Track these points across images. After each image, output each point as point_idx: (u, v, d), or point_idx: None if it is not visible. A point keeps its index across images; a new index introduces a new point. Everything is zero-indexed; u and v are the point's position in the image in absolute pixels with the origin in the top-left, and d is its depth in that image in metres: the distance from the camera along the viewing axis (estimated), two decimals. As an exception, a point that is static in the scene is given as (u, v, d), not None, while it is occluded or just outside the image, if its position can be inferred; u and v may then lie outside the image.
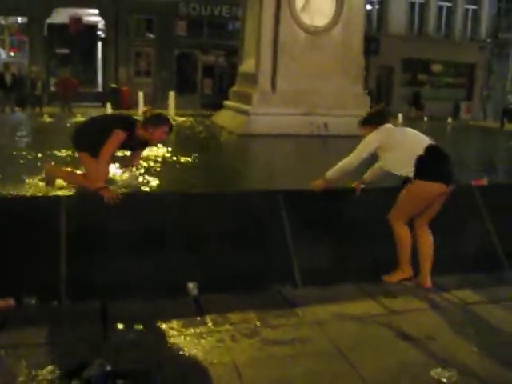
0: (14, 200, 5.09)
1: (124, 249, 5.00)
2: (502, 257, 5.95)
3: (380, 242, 5.32)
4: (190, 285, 4.89)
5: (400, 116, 17.06)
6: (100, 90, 27.38)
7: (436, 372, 3.70)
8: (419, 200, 5.12)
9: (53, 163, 6.31)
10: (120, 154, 5.93)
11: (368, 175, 5.60)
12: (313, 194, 5.53)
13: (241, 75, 13.84)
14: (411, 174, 5.03)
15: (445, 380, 3.63)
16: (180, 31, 27.80)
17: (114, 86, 25.54)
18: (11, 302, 4.48)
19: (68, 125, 11.34)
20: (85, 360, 3.57)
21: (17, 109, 19.66)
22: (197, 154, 8.06)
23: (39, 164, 6.49)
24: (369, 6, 27.90)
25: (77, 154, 5.55)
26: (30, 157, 7.36)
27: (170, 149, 8.24)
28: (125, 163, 5.98)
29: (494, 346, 4.16)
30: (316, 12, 11.74)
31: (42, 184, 5.61)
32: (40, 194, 5.31)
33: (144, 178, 6.15)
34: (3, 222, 4.76)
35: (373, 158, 5.38)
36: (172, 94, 15.94)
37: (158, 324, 4.30)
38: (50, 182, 5.59)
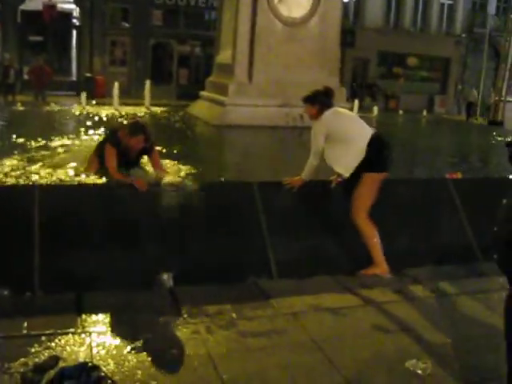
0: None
1: (99, 239, 4.95)
2: (476, 250, 6.00)
3: (356, 234, 5.32)
4: (165, 275, 4.81)
5: (375, 109, 17.14)
6: (74, 78, 26.94)
7: (411, 363, 3.73)
8: (374, 191, 5.28)
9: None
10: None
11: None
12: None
13: (217, 66, 13.77)
14: (347, 174, 5.25)
15: (420, 371, 3.66)
16: (156, 21, 27.50)
17: (88, 74, 25.10)
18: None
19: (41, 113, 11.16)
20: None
21: (-11, 97, 19.34)
22: (172, 145, 7.98)
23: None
24: (346, -1, 27.94)
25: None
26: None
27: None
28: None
29: (468, 338, 4.20)
30: (293, 3, 11.72)
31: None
32: (11, 183, 5.23)
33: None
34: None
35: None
36: (148, 84, 15.78)
37: (132, 315, 4.25)
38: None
